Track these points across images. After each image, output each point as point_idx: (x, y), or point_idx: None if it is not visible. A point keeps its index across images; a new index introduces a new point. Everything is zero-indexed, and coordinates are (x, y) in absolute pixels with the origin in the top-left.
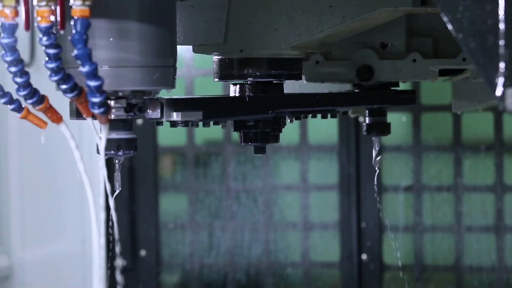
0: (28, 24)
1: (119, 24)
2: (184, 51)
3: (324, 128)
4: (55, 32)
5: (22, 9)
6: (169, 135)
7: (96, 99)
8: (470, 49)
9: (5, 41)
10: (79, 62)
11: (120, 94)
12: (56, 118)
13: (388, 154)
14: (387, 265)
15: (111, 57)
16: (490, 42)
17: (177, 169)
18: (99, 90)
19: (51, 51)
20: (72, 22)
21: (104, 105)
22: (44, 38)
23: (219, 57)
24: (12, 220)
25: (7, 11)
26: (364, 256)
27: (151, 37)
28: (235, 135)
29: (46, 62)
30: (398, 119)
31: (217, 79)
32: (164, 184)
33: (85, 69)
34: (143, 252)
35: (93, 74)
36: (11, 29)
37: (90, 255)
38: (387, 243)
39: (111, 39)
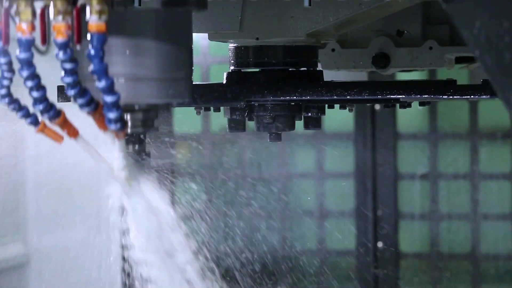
0: (45, 39)
1: (135, 39)
2: (200, 39)
3: (340, 116)
4: (71, 46)
5: (38, 23)
6: (185, 123)
7: (112, 115)
8: (487, 66)
9: (22, 56)
10: (95, 77)
11: (136, 107)
12: (73, 132)
13: (404, 142)
14: (403, 253)
15: (127, 71)
16: (507, 60)
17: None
18: (115, 105)
19: (68, 65)
20: (88, 37)
21: (120, 120)
22: (61, 53)
23: (235, 44)
24: (28, 207)
25: (24, 26)
26: (380, 244)
27: (167, 51)
28: (251, 123)
29: (63, 76)
30: (414, 107)
31: (233, 67)
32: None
33: (101, 84)
34: None
35: (110, 89)
36: (28, 44)
37: (106, 243)
38: (403, 231)
39: (127, 53)
